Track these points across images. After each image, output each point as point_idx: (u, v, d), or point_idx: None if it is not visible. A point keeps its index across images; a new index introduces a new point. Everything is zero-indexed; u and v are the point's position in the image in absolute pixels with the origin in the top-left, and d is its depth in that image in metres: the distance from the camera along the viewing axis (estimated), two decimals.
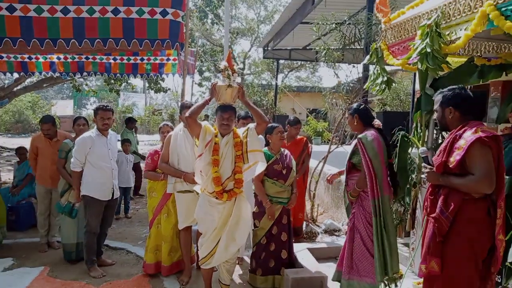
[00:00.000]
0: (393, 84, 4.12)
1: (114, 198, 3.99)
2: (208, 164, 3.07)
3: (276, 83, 14.39)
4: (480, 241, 2.24)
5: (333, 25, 5.33)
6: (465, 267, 2.24)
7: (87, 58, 7.76)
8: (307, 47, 11.14)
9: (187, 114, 3.08)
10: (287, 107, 18.38)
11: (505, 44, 3.97)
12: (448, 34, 3.03)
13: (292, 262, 3.75)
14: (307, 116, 16.07)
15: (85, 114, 34.66)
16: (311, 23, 5.67)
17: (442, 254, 2.28)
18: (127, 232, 5.29)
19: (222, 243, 3.11)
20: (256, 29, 25.31)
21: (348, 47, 5.49)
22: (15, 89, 13.76)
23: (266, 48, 12.56)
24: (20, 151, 5.60)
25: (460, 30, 2.93)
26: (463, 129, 2.31)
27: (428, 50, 2.91)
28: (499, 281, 2.81)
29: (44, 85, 13.97)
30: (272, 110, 14.48)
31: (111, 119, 3.91)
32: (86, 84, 13.40)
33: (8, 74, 8.19)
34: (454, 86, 2.46)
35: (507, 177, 2.66)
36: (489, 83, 5.36)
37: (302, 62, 19.71)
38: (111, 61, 7.86)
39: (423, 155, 2.60)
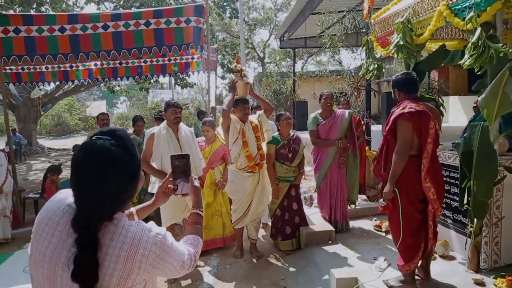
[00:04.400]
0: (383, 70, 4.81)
1: None
2: (241, 146, 3.92)
3: (294, 71, 15.03)
4: (412, 186, 2.93)
5: (335, 19, 6.01)
6: (405, 205, 2.95)
7: (120, 63, 8.77)
8: (321, 34, 11.76)
9: (224, 107, 3.85)
10: (308, 92, 18.96)
11: None
12: (420, 28, 3.69)
13: (306, 225, 4.51)
14: None
15: (116, 112, 36.38)
16: (320, 14, 6.35)
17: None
18: None
19: (254, 204, 4.05)
20: (274, 18, 25.83)
21: (350, 33, 6.15)
22: (56, 94, 15.13)
23: (282, 39, 13.19)
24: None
25: (429, 25, 3.58)
26: (397, 107, 2.98)
27: (402, 43, 3.59)
28: (467, 223, 3.49)
29: (82, 89, 15.26)
30: (291, 97, 15.14)
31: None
32: (118, 85, 14.51)
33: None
34: (401, 71, 3.14)
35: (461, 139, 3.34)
36: None
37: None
38: (142, 63, 8.86)
39: None
